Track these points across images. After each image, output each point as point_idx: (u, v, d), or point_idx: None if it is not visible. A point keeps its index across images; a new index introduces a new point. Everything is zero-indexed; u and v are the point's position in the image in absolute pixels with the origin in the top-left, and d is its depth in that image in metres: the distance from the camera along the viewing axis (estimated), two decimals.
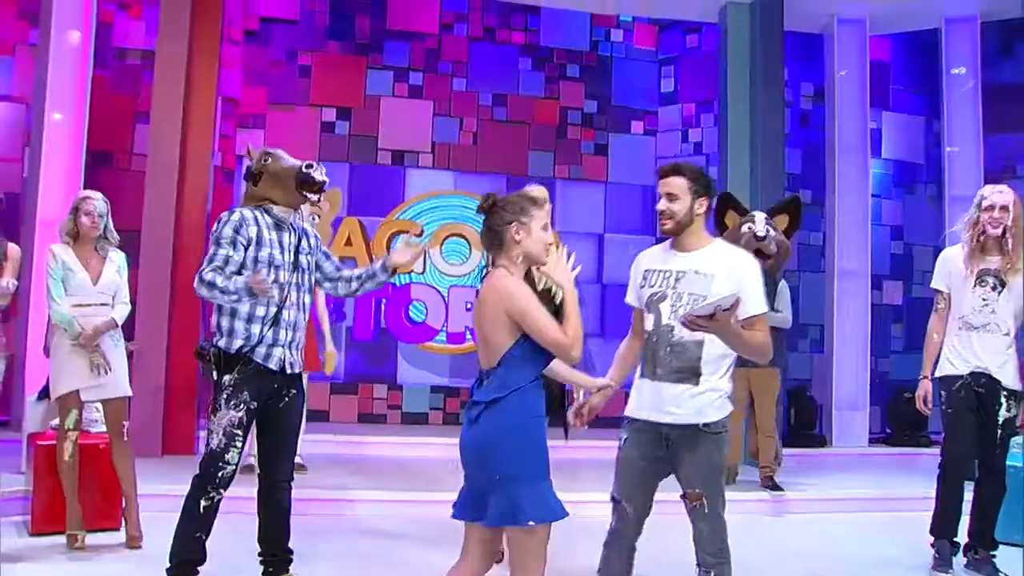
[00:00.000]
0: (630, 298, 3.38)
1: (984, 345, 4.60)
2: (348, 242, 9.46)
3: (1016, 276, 4.57)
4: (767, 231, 6.82)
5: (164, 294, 7.27)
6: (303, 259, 4.03)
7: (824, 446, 8.91)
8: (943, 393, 4.75)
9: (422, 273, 9.65)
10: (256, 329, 3.85)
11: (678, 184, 3.19)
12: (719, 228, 7.31)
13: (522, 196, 3.07)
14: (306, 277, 4.05)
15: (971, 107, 9.17)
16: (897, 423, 9.04)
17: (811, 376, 9.68)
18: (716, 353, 3.11)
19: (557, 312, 4.00)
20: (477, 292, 3.10)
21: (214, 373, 3.86)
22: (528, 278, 4.01)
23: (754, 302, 3.09)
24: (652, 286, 3.23)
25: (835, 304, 9.13)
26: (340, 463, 7.43)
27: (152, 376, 7.16)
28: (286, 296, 3.92)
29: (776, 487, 6.67)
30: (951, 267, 4.77)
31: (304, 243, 4.06)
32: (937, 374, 4.78)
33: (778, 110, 8.61)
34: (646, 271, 3.30)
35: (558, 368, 3.18)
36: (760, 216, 7.00)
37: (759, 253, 6.71)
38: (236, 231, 3.84)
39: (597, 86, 10.25)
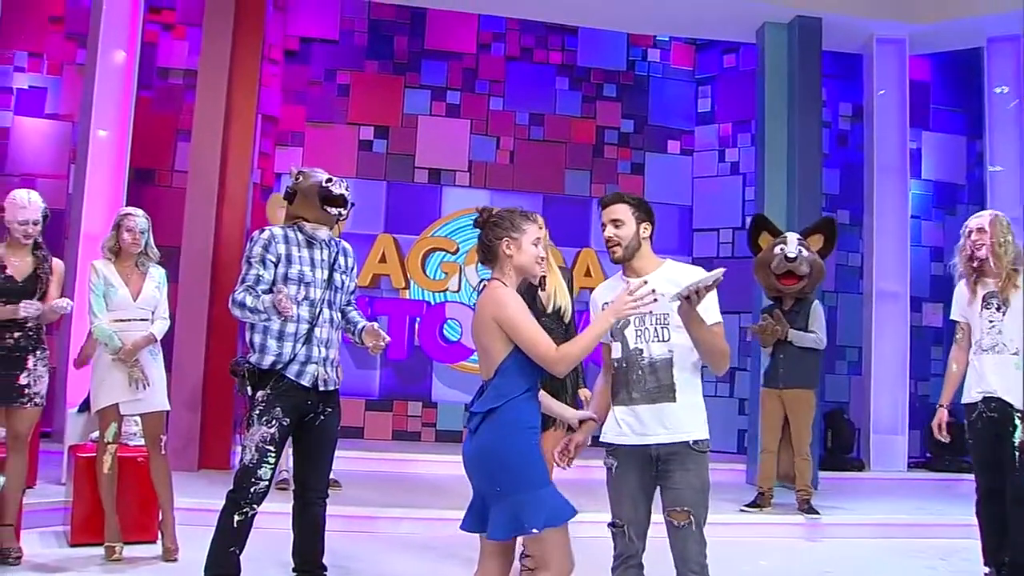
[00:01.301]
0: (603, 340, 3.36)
1: (993, 367, 4.59)
2: (383, 259, 9.50)
3: (1015, 292, 4.58)
4: (799, 252, 6.82)
5: (202, 310, 7.37)
6: (337, 277, 4.03)
7: (862, 470, 8.79)
8: (966, 422, 4.76)
9: (457, 291, 9.65)
10: (288, 347, 3.86)
11: (622, 210, 3.28)
12: (753, 250, 7.34)
13: (514, 212, 3.16)
14: (339, 295, 4.05)
15: (1014, 126, 9.03)
16: (937, 447, 8.80)
17: (849, 399, 9.56)
18: (687, 368, 3.18)
19: (567, 331, 4.29)
20: (474, 307, 3.14)
21: (248, 389, 3.88)
22: (537, 300, 4.08)
23: (709, 314, 3.13)
24: None
25: (874, 326, 9.02)
26: (374, 480, 7.45)
27: (190, 391, 7.22)
28: (318, 313, 3.93)
29: (812, 511, 6.60)
30: (961, 296, 4.83)
31: (341, 260, 4.07)
32: (962, 402, 4.80)
33: (816, 130, 8.54)
34: (604, 304, 3.32)
35: (542, 399, 3.23)
36: (792, 237, 6.99)
37: (791, 274, 6.79)
38: (265, 249, 3.88)
39: (634, 105, 10.25)
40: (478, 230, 3.18)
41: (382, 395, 9.49)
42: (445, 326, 9.53)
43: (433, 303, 9.58)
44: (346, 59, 9.72)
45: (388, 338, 4.09)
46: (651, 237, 3.31)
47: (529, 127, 10.03)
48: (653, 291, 3.03)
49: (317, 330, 3.91)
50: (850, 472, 8.69)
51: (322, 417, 3.97)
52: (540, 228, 3.18)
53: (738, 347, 9.37)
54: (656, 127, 10.28)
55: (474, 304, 3.28)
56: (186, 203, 7.50)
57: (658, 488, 3.22)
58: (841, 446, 8.98)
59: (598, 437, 3.35)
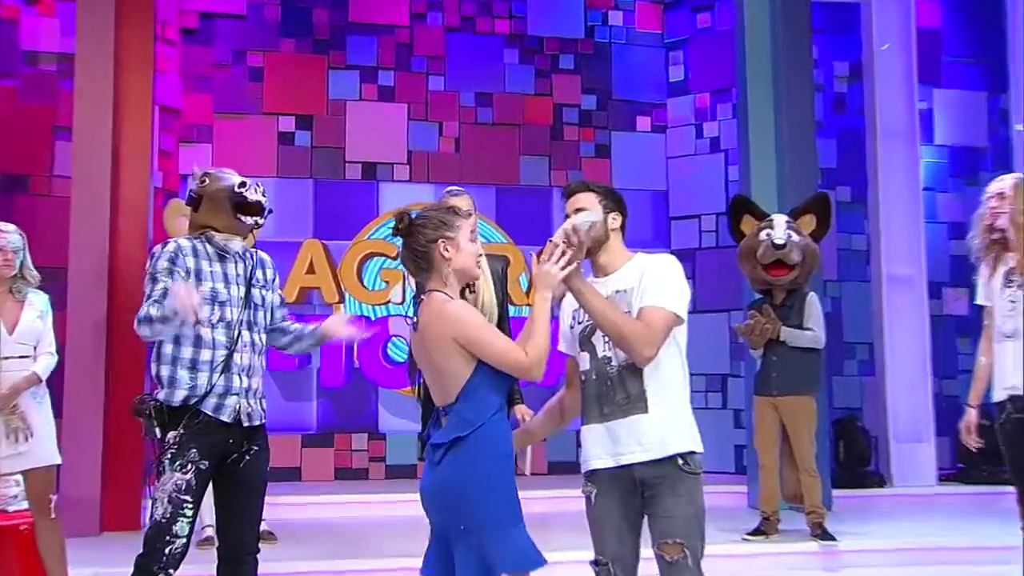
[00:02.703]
0: (562, 346, 3.48)
1: (1015, 357, 4.44)
2: (311, 269, 9.33)
3: None
4: (787, 236, 6.80)
5: (99, 340, 7.18)
6: (256, 293, 4.03)
7: (883, 486, 8.80)
8: (996, 424, 4.62)
9: (401, 303, 9.49)
10: (203, 377, 3.82)
11: (587, 199, 3.38)
12: (735, 236, 7.34)
13: (441, 208, 3.29)
14: (260, 314, 4.04)
15: None
16: (971, 456, 8.53)
17: (862, 403, 9.57)
18: (662, 373, 3.23)
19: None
20: (414, 324, 3.25)
21: (156, 431, 3.82)
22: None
23: (650, 295, 3.21)
24: (581, 322, 3.38)
25: (885, 317, 9.05)
26: (316, 528, 7.34)
27: (86, 438, 7.00)
28: (237, 336, 3.91)
29: (827, 536, 6.54)
30: (984, 277, 4.71)
31: (259, 274, 4.07)
32: (992, 401, 4.66)
33: (807, 95, 8.51)
34: (574, 310, 3.43)
35: None
36: (780, 220, 6.97)
37: (780, 263, 6.78)
38: (172, 262, 3.85)
39: (595, 78, 10.25)
40: (401, 239, 3.25)
41: (320, 428, 9.39)
42: (389, 345, 9.41)
43: (374, 318, 9.41)
44: (257, 37, 9.61)
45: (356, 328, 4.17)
46: (622, 229, 3.42)
47: (476, 109, 10.02)
48: (566, 240, 3.19)
49: (236, 356, 3.89)
50: (869, 489, 8.67)
51: (247, 458, 3.93)
52: (472, 221, 3.25)
53: (729, 350, 9.42)
54: (622, 102, 10.28)
55: (414, 321, 3.31)
56: (71, 214, 7.27)
57: (646, 518, 3.24)
58: (856, 459, 8.96)
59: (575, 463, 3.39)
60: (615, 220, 3.38)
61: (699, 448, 3.22)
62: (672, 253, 9.38)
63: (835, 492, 7.90)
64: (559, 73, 10.18)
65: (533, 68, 10.14)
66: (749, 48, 8.54)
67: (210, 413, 3.81)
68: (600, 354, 3.27)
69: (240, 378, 3.88)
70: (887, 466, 8.93)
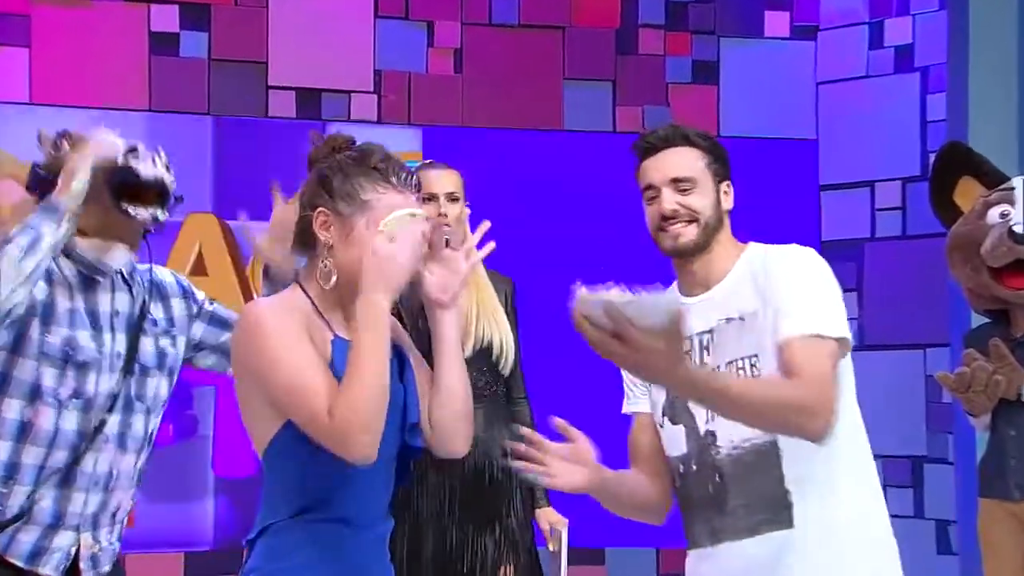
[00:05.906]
0: (629, 404, 3.50)
1: None
2: (199, 266, 8.59)
3: None
4: None
5: None
6: (148, 344, 3.93)
7: None
8: None
9: None
10: (19, 496, 3.71)
11: (688, 160, 3.40)
12: (943, 216, 7.03)
13: (369, 153, 3.13)
14: (154, 384, 3.95)
15: None
16: None
17: None
18: (813, 461, 3.15)
19: (509, 390, 5.03)
20: None
21: None
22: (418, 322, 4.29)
23: (788, 318, 3.12)
24: None
25: None
26: None
27: None
28: (98, 425, 3.74)
29: None
30: None
31: (157, 310, 4.01)
32: None
33: None
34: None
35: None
36: None
37: (1021, 264, 6.43)
38: None
39: None
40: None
41: (219, 542, 8.91)
42: None
43: None
44: None
45: None
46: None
47: (490, 2, 9.57)
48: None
49: (89, 458, 3.76)
50: None
51: None
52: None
53: (926, 417, 9.01)
54: None
55: None
56: None
57: None
58: None
59: None
60: (727, 194, 3.41)
61: None
62: (822, 247, 9.79)
63: None
64: None
65: None
66: None
67: (21, 565, 3.72)
68: (702, 429, 3.23)
69: (87, 498, 3.76)
70: None
